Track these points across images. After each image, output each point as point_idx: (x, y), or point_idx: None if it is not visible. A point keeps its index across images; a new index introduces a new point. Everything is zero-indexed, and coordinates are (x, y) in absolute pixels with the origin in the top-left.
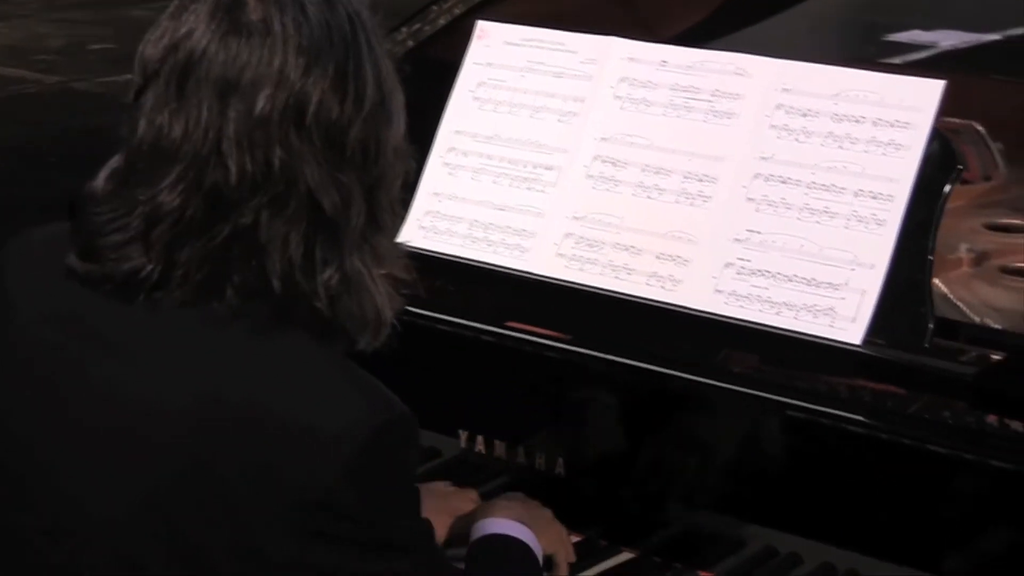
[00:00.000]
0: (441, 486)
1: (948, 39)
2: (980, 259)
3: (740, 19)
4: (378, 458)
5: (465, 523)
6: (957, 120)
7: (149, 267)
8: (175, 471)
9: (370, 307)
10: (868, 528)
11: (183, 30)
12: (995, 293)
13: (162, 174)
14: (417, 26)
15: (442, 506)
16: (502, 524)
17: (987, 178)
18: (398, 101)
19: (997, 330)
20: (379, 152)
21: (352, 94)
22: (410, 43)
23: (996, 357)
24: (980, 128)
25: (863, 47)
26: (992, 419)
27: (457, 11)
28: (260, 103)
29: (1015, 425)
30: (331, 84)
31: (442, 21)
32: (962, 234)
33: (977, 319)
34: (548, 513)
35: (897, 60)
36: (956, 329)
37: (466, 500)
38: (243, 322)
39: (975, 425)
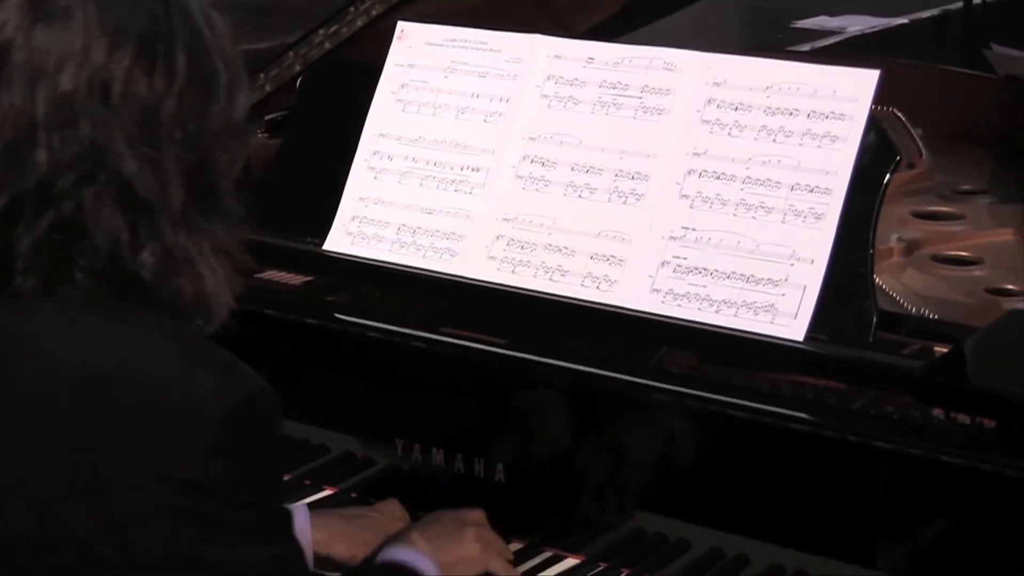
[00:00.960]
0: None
1: (855, 24)
2: (911, 248)
3: (650, 11)
4: (240, 432)
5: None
6: (876, 107)
7: None
8: (45, 449)
9: (200, 289)
10: (815, 527)
11: None
12: (928, 282)
13: None
14: (334, 28)
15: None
16: (405, 552)
17: (911, 165)
18: (226, 78)
19: (940, 322)
20: (200, 130)
21: (162, 70)
22: (327, 45)
23: (940, 349)
24: (900, 115)
25: (771, 35)
26: (938, 413)
27: (375, 12)
28: (64, 83)
29: (961, 418)
30: (138, 61)
31: (360, 22)
32: (892, 223)
33: (912, 309)
34: (471, 532)
35: (806, 47)
36: (899, 322)
37: (392, 520)
38: (98, 304)
39: (921, 420)
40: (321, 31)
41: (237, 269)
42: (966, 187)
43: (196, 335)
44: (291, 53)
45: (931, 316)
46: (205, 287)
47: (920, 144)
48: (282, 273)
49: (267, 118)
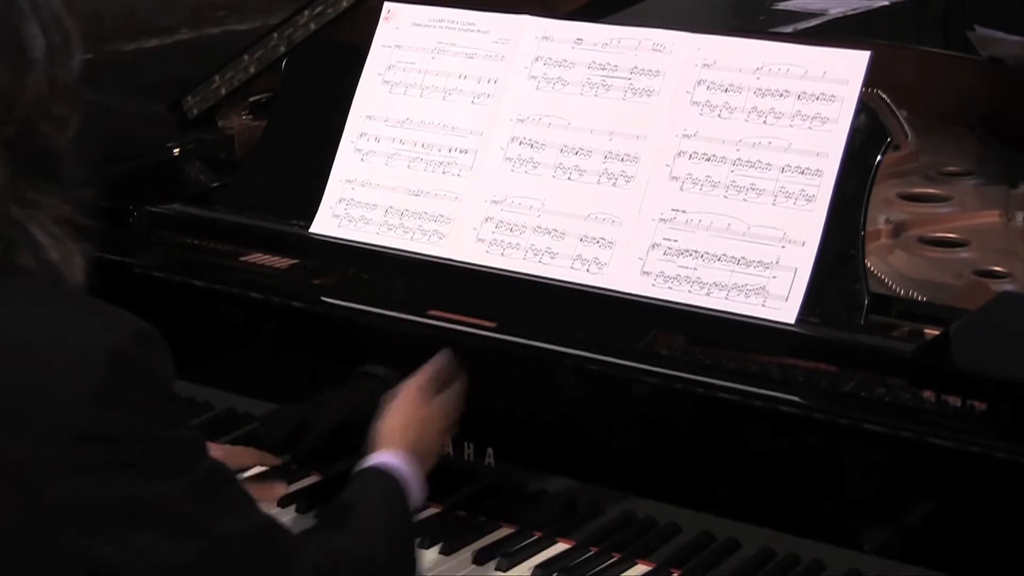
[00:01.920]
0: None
1: (836, 6)
2: (898, 230)
3: None
4: (127, 373)
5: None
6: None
7: None
8: None
9: (45, 258)
10: (806, 511)
11: None
12: (915, 263)
13: None
14: (319, 9)
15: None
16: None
17: (897, 147)
18: (44, 43)
19: (930, 304)
20: (15, 102)
21: None
22: (312, 26)
23: (931, 332)
24: (884, 96)
25: (753, 16)
26: (929, 395)
27: None
28: None
29: (952, 401)
30: None
31: (345, 3)
32: (879, 205)
33: (900, 291)
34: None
35: (788, 29)
36: (889, 304)
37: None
38: None
39: (912, 402)
40: (306, 12)
41: (82, 233)
42: (951, 169)
43: (64, 290)
44: (275, 34)
45: (920, 298)
46: (50, 256)
47: (905, 126)
48: (267, 256)
49: (251, 100)
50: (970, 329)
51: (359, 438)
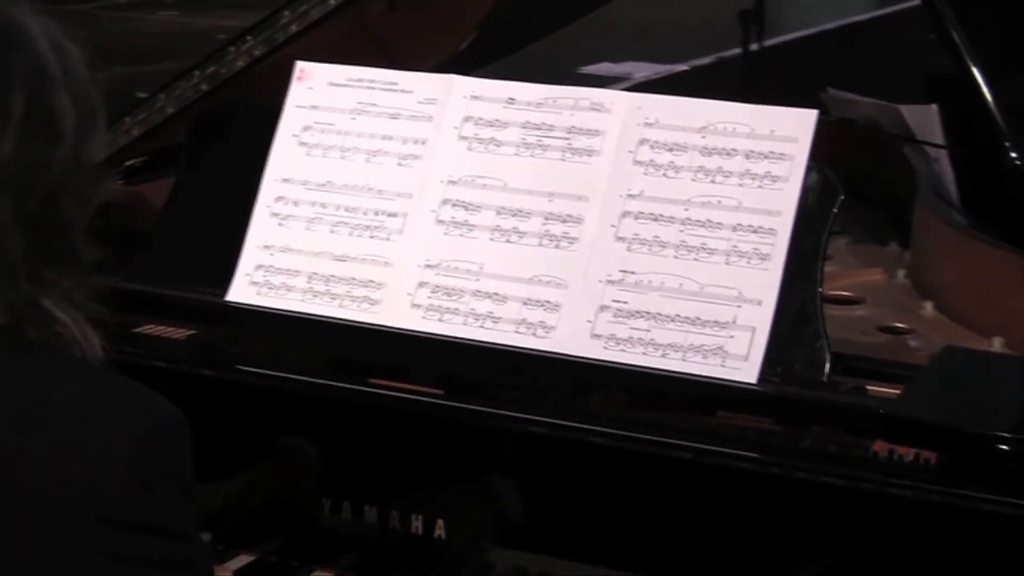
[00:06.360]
0: None
1: (640, 71)
2: None
3: (481, 56)
4: (155, 462)
5: None
6: None
7: None
8: None
9: (66, 334)
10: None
11: None
12: None
13: None
14: (212, 68)
15: None
16: None
17: None
18: (75, 117)
19: (868, 359)
20: (41, 176)
21: None
22: (204, 87)
23: (874, 388)
24: None
25: (561, 82)
26: (880, 447)
27: (257, 52)
28: None
29: (906, 454)
30: None
31: (240, 63)
32: None
33: None
34: None
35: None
36: (839, 361)
37: None
38: None
39: (868, 455)
40: (196, 72)
41: (95, 322)
42: None
43: (90, 365)
44: (163, 95)
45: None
46: (70, 331)
47: None
48: (176, 328)
49: (126, 164)
50: (930, 383)
51: (285, 516)
